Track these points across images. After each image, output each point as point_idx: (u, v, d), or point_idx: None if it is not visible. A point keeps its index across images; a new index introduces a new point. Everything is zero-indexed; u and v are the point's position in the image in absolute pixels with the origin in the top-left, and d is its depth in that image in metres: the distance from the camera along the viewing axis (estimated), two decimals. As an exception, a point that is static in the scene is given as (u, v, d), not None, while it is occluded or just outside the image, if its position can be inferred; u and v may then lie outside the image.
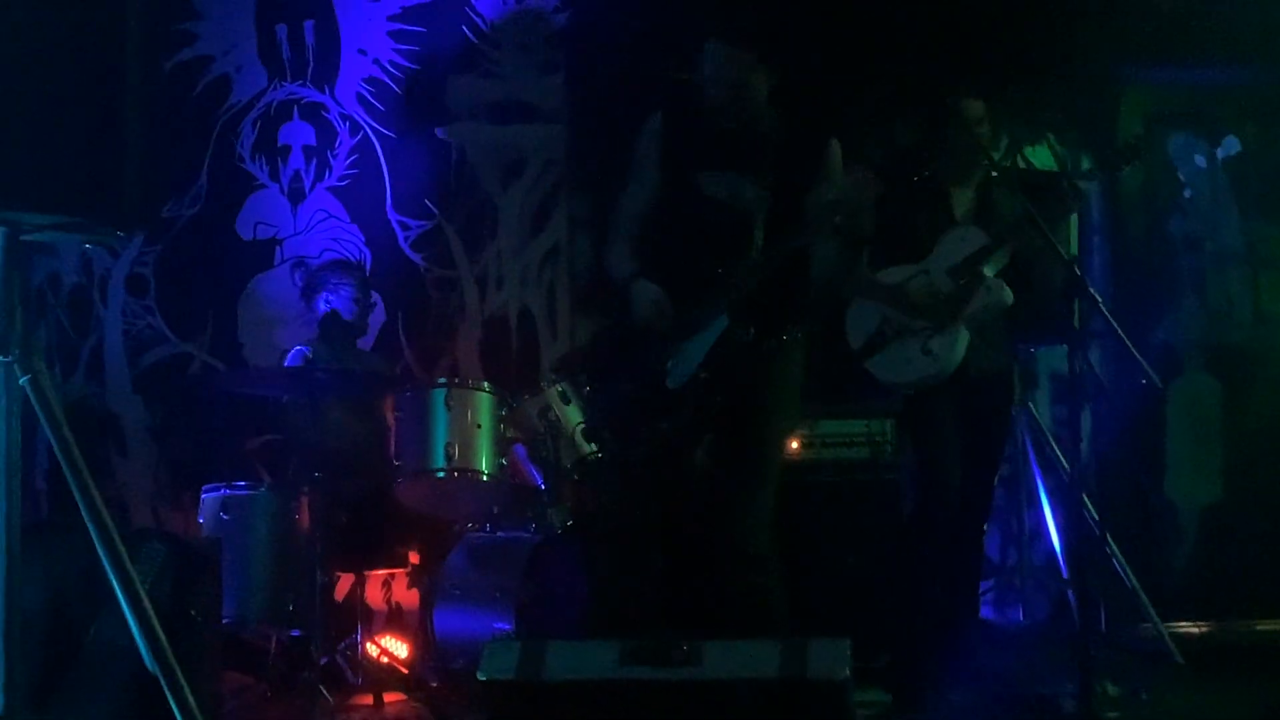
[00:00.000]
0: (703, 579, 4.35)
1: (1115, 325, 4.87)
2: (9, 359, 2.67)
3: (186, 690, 2.81)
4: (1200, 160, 7.18)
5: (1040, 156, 6.96)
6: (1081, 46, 6.70)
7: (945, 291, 4.87)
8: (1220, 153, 7.18)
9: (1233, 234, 7.19)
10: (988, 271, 4.89)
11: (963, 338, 4.84)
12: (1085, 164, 6.90)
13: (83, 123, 2.63)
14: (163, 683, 2.76)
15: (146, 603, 2.71)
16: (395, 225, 6.72)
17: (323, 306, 5.94)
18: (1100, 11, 6.62)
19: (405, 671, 5.55)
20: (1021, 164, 6.81)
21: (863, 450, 5.54)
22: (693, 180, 4.26)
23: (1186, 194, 7.11)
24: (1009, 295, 4.90)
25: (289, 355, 5.81)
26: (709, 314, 4.19)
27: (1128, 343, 4.79)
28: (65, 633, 3.69)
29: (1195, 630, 6.26)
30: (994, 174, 5.22)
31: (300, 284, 6.24)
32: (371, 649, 5.59)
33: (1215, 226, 7.17)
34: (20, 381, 2.68)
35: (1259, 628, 6.48)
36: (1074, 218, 5.44)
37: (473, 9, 6.76)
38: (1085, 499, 5.57)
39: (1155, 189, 6.47)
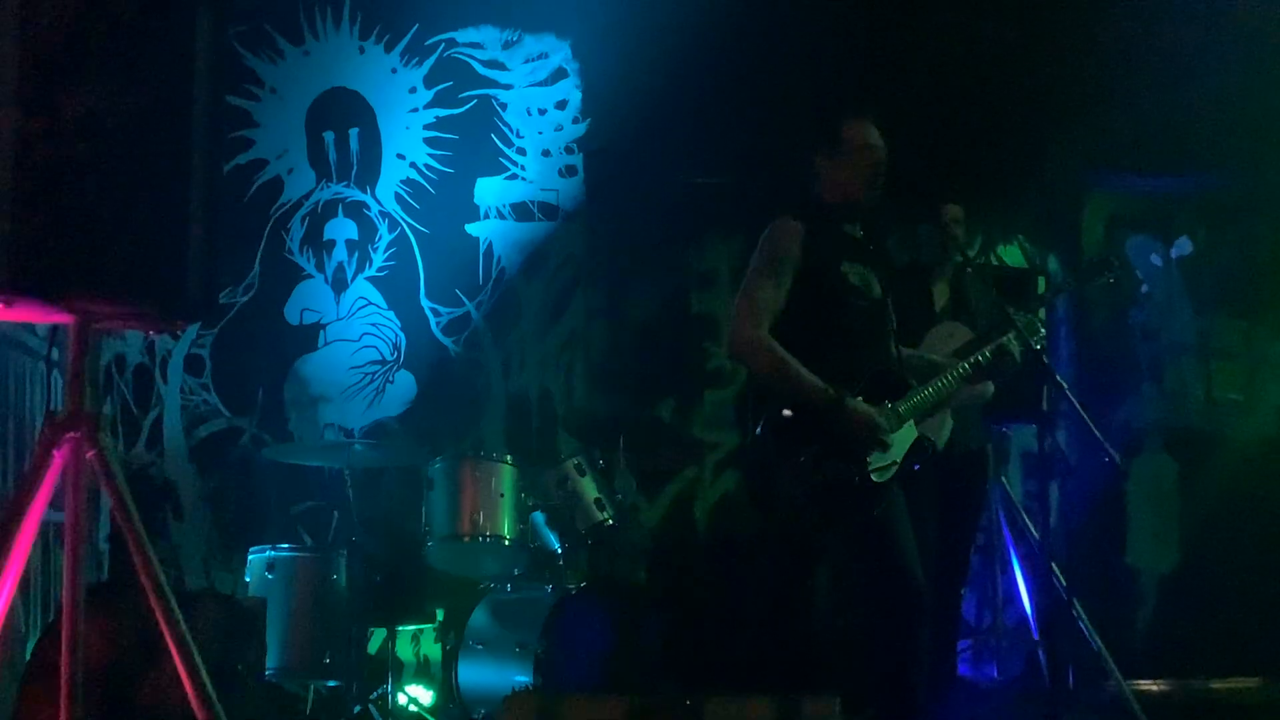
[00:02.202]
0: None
1: (1080, 408, 4.86)
2: (78, 434, 2.67)
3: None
4: (1156, 259, 7.21)
5: (1011, 254, 7.00)
6: (1050, 158, 6.77)
7: None
8: (1174, 252, 7.21)
9: (1186, 326, 7.21)
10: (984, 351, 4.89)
11: (948, 422, 4.83)
12: (1052, 263, 6.94)
13: (152, 221, 2.64)
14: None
15: (198, 658, 2.68)
16: (428, 312, 6.73)
17: None
18: (1066, 127, 6.68)
19: (431, 720, 5.50)
20: (994, 261, 6.84)
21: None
22: (840, 271, 4.20)
23: (1144, 290, 7.13)
24: (990, 388, 4.89)
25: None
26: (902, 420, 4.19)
27: (1091, 424, 4.78)
28: (123, 685, 3.66)
29: (1156, 688, 6.19)
30: (968, 269, 5.24)
31: None
32: (401, 698, 5.53)
33: (1170, 319, 7.19)
34: (87, 456, 2.67)
35: (1214, 686, 6.41)
36: (1041, 310, 5.46)
37: (500, 119, 6.82)
38: (1054, 566, 5.55)
39: (1109, 287, 6.53)
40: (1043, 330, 4.67)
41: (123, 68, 2.61)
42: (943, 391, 4.31)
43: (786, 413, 4.06)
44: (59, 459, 2.67)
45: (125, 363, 6.58)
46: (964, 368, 4.37)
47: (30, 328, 5.27)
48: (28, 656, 4.35)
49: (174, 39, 2.68)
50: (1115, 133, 6.72)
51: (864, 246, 4.32)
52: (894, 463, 4.14)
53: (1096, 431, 4.78)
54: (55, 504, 2.73)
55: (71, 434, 2.66)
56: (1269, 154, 6.81)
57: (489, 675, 5.15)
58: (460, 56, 6.82)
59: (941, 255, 5.21)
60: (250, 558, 5.47)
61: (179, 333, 6.50)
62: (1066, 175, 6.90)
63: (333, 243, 6.74)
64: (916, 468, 4.21)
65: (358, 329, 6.71)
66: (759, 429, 4.11)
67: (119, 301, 2.65)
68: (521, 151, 6.83)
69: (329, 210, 6.76)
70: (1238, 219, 7.20)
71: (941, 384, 4.31)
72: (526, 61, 6.86)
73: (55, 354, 5.63)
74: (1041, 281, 6.45)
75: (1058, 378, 4.62)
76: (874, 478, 4.08)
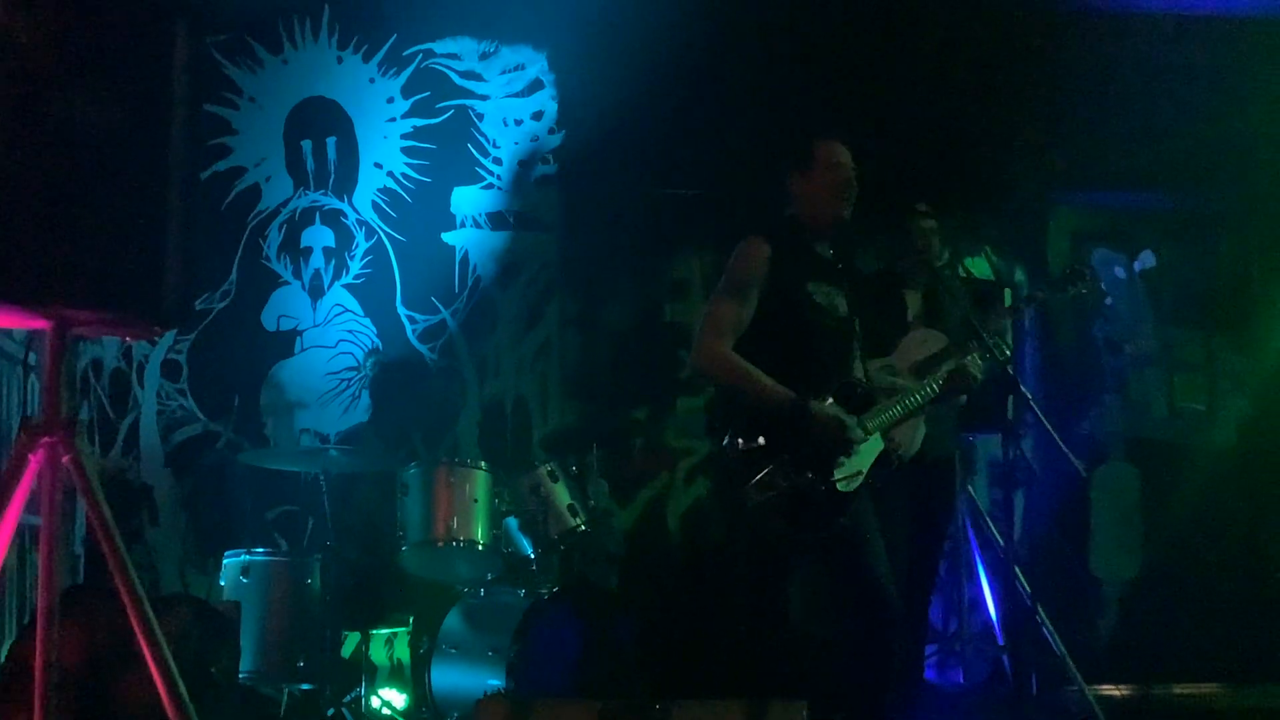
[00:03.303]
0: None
1: (1044, 418, 4.89)
2: (54, 439, 2.65)
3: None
4: (1120, 272, 7.25)
5: (979, 267, 7.03)
6: (1017, 174, 6.81)
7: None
8: (1137, 266, 7.26)
9: (1149, 338, 7.26)
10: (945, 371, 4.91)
11: (921, 429, 4.84)
12: (1019, 274, 6.98)
13: (129, 229, 2.64)
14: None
15: (171, 662, 2.67)
16: (404, 319, 6.72)
17: None
18: (1033, 144, 6.73)
19: (405, 723, 5.48)
20: (962, 273, 6.88)
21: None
22: (806, 290, 4.23)
23: (1108, 302, 7.17)
24: (963, 396, 4.91)
25: None
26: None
27: (1055, 434, 4.81)
28: (97, 689, 3.64)
29: (1118, 693, 6.21)
30: (940, 281, 5.26)
31: None
32: (374, 701, 5.51)
33: (1133, 331, 7.23)
34: (63, 461, 2.66)
35: (1175, 690, 6.45)
36: (1008, 322, 5.50)
37: (477, 129, 6.81)
38: (1018, 573, 5.57)
39: (1080, 298, 6.58)
40: (1009, 351, 4.70)
41: (102, 77, 2.61)
42: (909, 408, 4.34)
43: (740, 442, 4.07)
44: (35, 463, 2.66)
45: (102, 367, 6.54)
46: (930, 388, 4.41)
47: (7, 332, 5.23)
48: (2, 660, 4.31)
49: (153, 48, 2.68)
50: (1080, 149, 6.78)
51: (832, 266, 4.35)
52: (860, 472, 4.15)
53: (1060, 441, 4.81)
54: (31, 508, 2.72)
55: (47, 439, 2.66)
56: (1230, 170, 6.88)
57: (462, 679, 5.14)
58: (438, 67, 6.82)
59: (918, 269, 5.24)
60: (225, 562, 5.44)
61: (156, 339, 6.47)
62: (1032, 190, 6.94)
63: (310, 250, 6.72)
64: (876, 484, 4.23)
65: (334, 335, 6.69)
66: (727, 438, 4.12)
67: (96, 308, 2.64)
68: (498, 161, 6.83)
69: (306, 218, 6.74)
70: (1199, 234, 7.26)
71: (908, 401, 4.35)
72: (503, 73, 6.86)
73: (32, 358, 5.60)
74: (1008, 295, 6.49)
75: (1022, 388, 4.64)
76: (840, 486, 4.10)
